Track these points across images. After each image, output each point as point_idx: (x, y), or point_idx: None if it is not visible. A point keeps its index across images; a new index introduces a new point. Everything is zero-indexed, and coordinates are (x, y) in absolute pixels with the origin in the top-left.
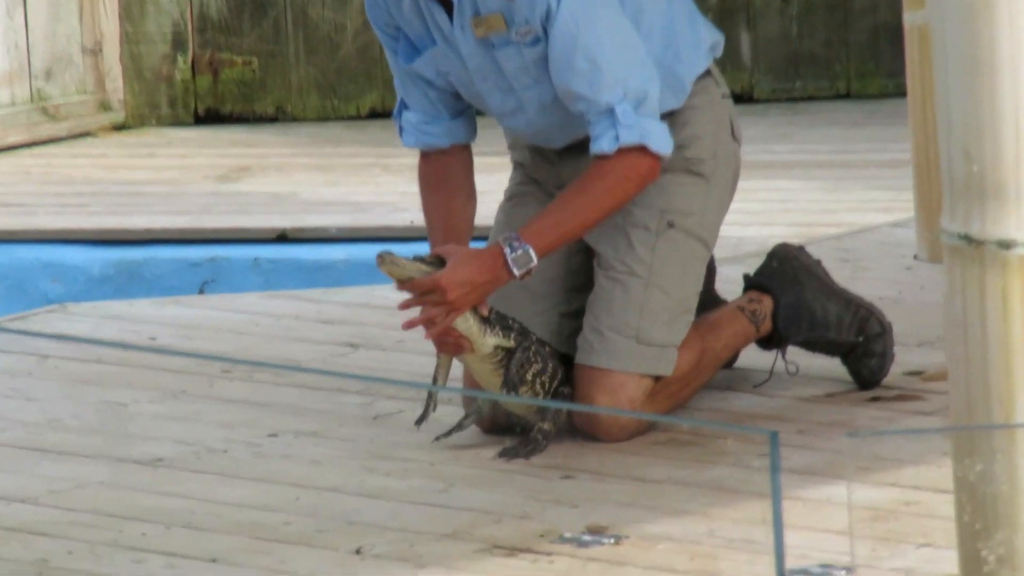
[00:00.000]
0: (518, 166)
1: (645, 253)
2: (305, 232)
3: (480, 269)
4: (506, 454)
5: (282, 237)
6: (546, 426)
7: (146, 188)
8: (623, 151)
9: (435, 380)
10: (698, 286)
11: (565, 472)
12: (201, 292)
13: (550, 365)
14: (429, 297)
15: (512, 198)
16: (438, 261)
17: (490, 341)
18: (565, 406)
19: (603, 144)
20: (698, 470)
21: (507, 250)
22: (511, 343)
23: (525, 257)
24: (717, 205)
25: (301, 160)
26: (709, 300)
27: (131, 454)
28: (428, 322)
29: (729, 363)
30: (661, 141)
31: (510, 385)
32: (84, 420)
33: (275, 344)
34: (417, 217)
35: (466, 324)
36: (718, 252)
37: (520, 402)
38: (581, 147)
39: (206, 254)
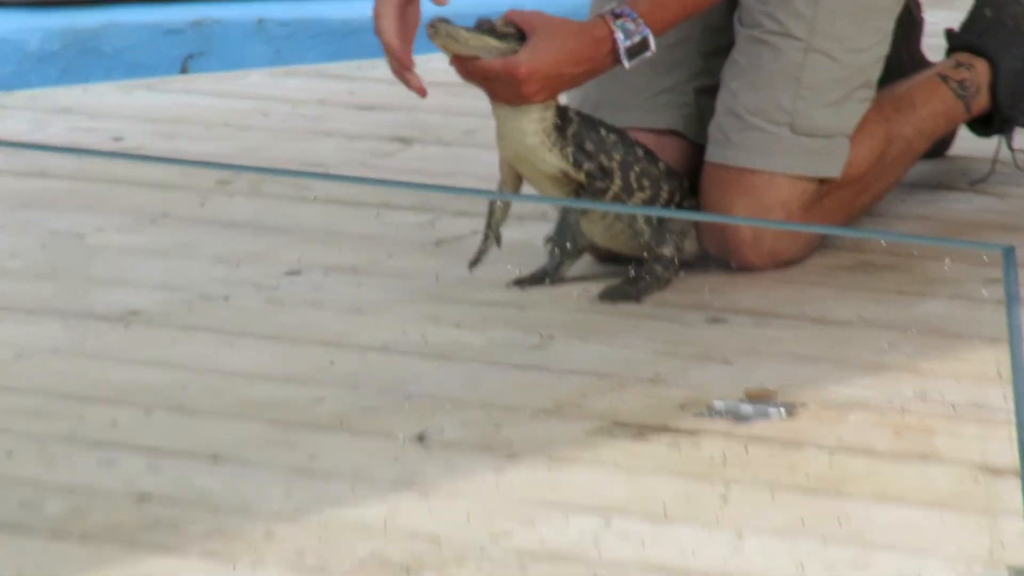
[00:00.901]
0: None
1: (806, 3)
2: None
3: (575, 56)
4: (609, 295)
5: None
6: (666, 251)
7: None
8: None
9: (491, 214)
10: (882, 48)
11: (711, 314)
12: (184, 71)
13: (664, 188)
14: (499, 84)
15: None
16: (516, 34)
17: (552, 160)
18: (686, 215)
19: None
20: (901, 306)
21: (619, 35)
22: (580, 176)
23: (641, 44)
24: None
25: None
26: (906, 64)
27: (93, 307)
28: (494, 96)
29: (931, 154)
30: None
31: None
32: (25, 260)
33: (292, 142)
34: None
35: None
36: None
37: (612, 211)
38: None
39: (188, 15)
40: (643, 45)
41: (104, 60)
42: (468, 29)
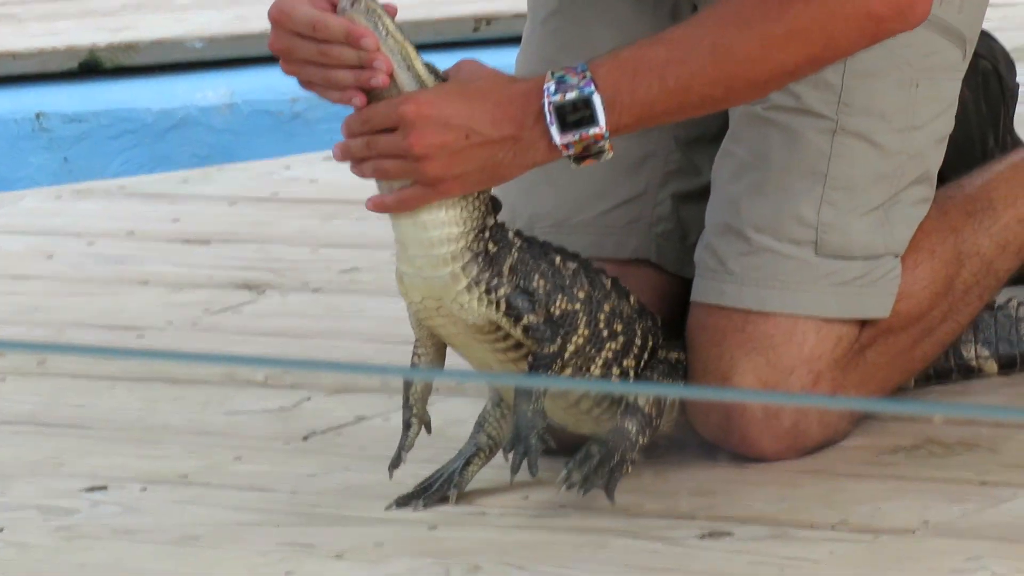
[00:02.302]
0: None
1: (830, 70)
2: (136, 52)
3: (491, 113)
4: (573, 484)
5: (89, 66)
6: (643, 403)
7: None
8: None
9: (408, 389)
10: (944, 124)
11: (707, 526)
12: None
13: (638, 331)
14: (383, 138)
15: None
16: (440, 76)
17: (474, 307)
18: (668, 390)
19: None
20: (984, 503)
21: (549, 84)
22: (517, 332)
23: (581, 110)
24: None
25: None
26: (992, 153)
27: None
28: (381, 175)
29: (1021, 276)
30: None
31: (533, 393)
32: None
33: (89, 296)
34: None
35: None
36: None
37: (569, 387)
38: None
39: None
40: (584, 112)
41: None
42: (402, 34)
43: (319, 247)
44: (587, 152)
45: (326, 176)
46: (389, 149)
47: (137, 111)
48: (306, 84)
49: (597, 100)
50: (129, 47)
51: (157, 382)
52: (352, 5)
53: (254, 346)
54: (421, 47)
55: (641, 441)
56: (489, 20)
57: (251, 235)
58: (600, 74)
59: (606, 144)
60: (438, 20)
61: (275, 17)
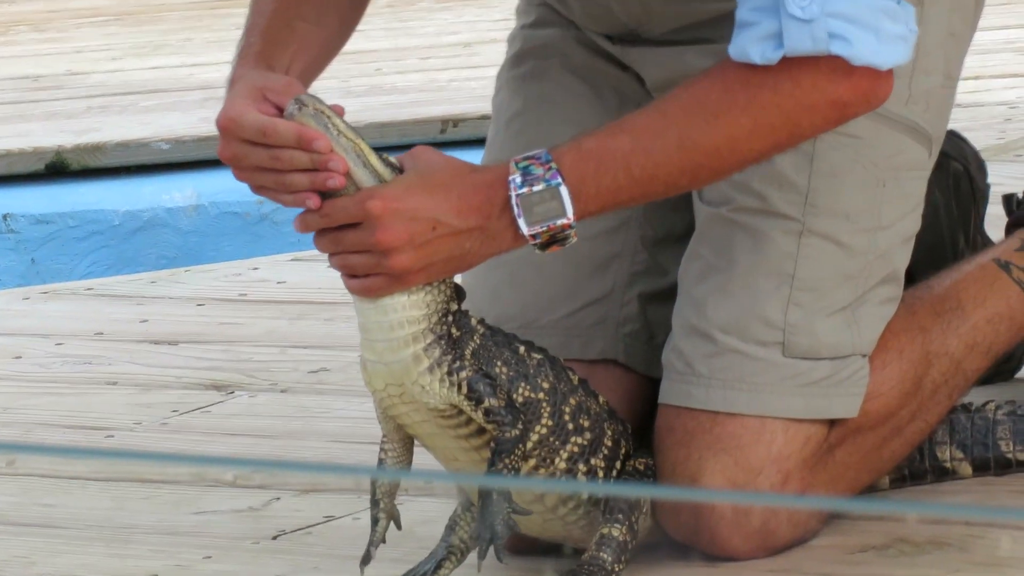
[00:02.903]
0: None
1: (794, 166)
2: (102, 153)
3: (457, 203)
4: None
5: (56, 167)
6: (615, 533)
7: None
8: (793, 63)
9: (374, 486)
10: (911, 224)
11: None
12: None
13: (608, 433)
14: (349, 234)
15: (522, 61)
16: (396, 168)
17: (435, 389)
18: (639, 490)
19: (749, 47)
20: None
21: (515, 176)
22: (479, 416)
23: (549, 201)
24: (943, 47)
25: (79, 2)
26: (962, 253)
27: None
28: (348, 269)
29: (990, 378)
30: (879, 45)
31: (495, 494)
32: None
33: (58, 395)
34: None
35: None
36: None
37: (544, 489)
38: None
39: None
40: (552, 203)
41: None
42: (350, 128)
43: (287, 347)
44: (553, 239)
45: (293, 277)
46: (356, 245)
47: (104, 212)
48: (258, 190)
49: (564, 192)
50: (95, 148)
51: (126, 482)
52: (300, 109)
53: (223, 446)
54: (388, 148)
55: (617, 569)
56: (456, 122)
57: (219, 336)
58: (565, 164)
59: (572, 232)
60: (405, 122)
61: (223, 125)
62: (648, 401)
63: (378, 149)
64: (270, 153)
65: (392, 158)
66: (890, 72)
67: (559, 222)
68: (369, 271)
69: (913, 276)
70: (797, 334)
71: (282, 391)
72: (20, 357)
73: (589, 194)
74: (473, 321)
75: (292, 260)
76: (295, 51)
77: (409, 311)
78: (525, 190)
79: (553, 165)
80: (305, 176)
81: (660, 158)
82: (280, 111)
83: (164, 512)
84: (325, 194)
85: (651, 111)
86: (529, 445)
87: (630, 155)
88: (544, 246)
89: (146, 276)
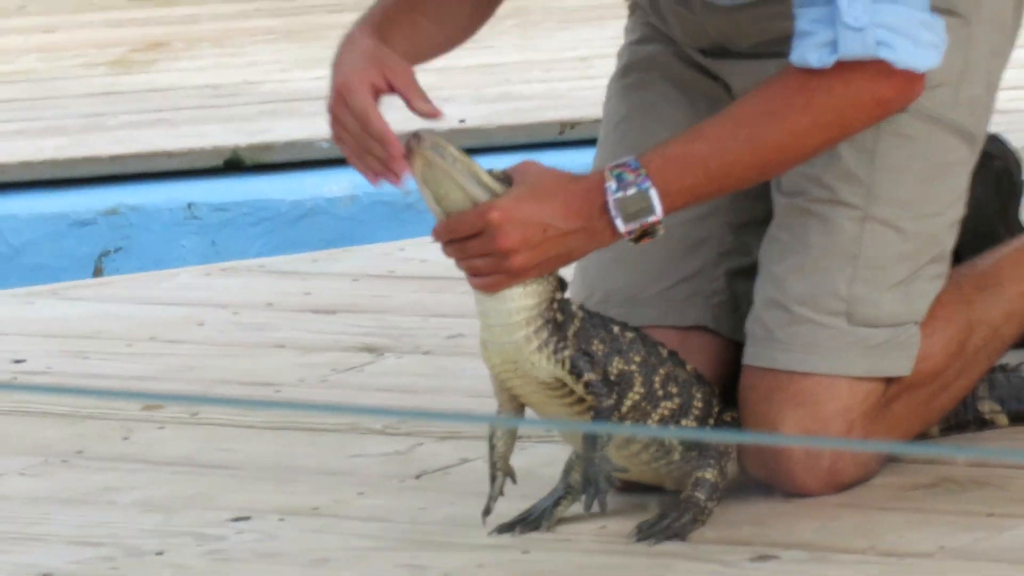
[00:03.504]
0: (636, 7)
1: (858, 163)
2: (272, 151)
3: (562, 208)
4: (646, 534)
5: (233, 163)
6: (708, 475)
7: None
8: (845, 67)
9: (492, 447)
10: (956, 211)
11: (757, 550)
12: (98, 271)
13: (697, 396)
14: (472, 243)
15: (628, 73)
16: (507, 181)
17: (543, 365)
18: (728, 436)
19: (808, 54)
20: (992, 531)
21: (611, 183)
22: (580, 388)
23: (640, 202)
24: (986, 62)
25: (253, 22)
26: (1001, 238)
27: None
28: (474, 271)
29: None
30: (917, 51)
31: (595, 455)
32: None
33: (234, 357)
34: (471, 113)
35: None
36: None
37: (624, 432)
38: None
39: (101, 203)
40: (643, 204)
41: None
42: (462, 154)
43: (429, 316)
44: (644, 234)
45: (434, 257)
46: (480, 251)
47: (273, 201)
48: (337, 141)
49: (654, 194)
50: (266, 147)
51: (292, 430)
52: (419, 144)
53: (374, 400)
54: (515, 147)
55: (710, 507)
56: (573, 125)
57: (371, 306)
58: (652, 169)
59: (660, 227)
60: (530, 124)
61: (338, 88)
62: (733, 363)
63: (506, 148)
64: (359, 134)
65: (498, 171)
66: (923, 75)
67: (650, 219)
68: (491, 271)
69: (960, 257)
70: (860, 305)
71: (424, 353)
72: (203, 324)
73: (674, 193)
74: (574, 307)
75: (433, 242)
76: (409, 39)
77: (523, 300)
78: (620, 194)
79: (642, 171)
80: (377, 163)
81: (733, 157)
82: (389, 86)
83: (324, 455)
84: (447, 212)
85: (723, 117)
86: (624, 410)
87: (708, 157)
88: (637, 239)
89: (309, 256)
